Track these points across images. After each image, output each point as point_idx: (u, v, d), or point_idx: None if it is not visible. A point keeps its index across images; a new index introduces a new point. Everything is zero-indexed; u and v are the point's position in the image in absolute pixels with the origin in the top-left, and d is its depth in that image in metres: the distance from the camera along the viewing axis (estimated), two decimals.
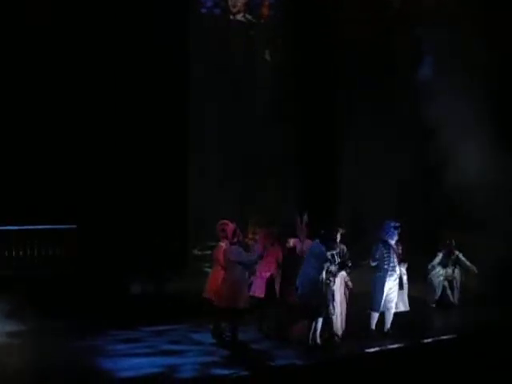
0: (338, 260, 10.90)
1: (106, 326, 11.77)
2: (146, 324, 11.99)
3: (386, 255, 11.52)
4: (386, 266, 11.49)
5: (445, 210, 16.58)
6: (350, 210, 17.14)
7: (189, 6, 16.91)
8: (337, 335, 11.13)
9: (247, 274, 11.05)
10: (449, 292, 14.28)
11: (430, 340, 11.55)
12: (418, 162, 16.92)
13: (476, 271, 14.24)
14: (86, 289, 12.99)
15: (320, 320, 10.70)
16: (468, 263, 14.20)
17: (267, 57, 18.33)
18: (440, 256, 14.30)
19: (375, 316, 11.63)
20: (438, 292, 14.26)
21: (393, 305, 11.63)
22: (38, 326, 11.27)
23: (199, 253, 16.75)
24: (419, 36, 16.78)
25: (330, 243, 10.86)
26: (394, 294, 11.60)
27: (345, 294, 11.35)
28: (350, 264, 11.19)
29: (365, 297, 11.73)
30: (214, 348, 10.81)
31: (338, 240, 11.17)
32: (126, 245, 14.58)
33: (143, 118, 15.55)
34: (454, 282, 14.29)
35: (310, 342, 10.69)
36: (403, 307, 11.89)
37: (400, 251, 11.70)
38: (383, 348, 10.93)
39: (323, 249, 10.75)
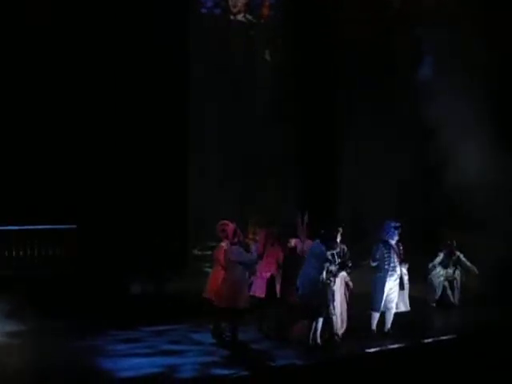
0: (338, 260, 10.89)
1: (106, 326, 11.75)
2: (146, 324, 11.97)
3: (386, 255, 11.51)
4: (386, 266, 11.48)
5: (445, 210, 16.59)
6: (350, 210, 17.16)
7: (189, 6, 16.92)
8: (337, 335, 11.12)
9: (247, 274, 11.05)
10: (449, 292, 14.27)
11: (430, 340, 11.53)
12: (418, 161, 16.93)
13: (477, 272, 14.24)
14: (86, 289, 12.99)
15: (320, 320, 10.69)
16: (469, 264, 14.20)
17: (267, 57, 18.35)
18: (441, 256, 14.29)
19: (376, 316, 11.61)
20: (439, 292, 14.26)
21: (393, 305, 11.62)
22: (38, 326, 11.27)
23: (199, 253, 16.76)
24: (419, 36, 16.80)
25: (330, 243, 10.86)
26: (394, 294, 11.59)
27: (345, 294, 11.35)
28: (350, 264, 11.19)
29: (365, 297, 11.72)
30: (214, 348, 10.79)
31: (339, 240, 11.17)
32: (126, 245, 14.59)
33: (143, 118, 15.56)
34: (455, 282, 14.28)
35: (311, 342, 10.68)
36: (404, 307, 11.87)
37: (401, 251, 11.68)
38: (383, 348, 10.92)
39: (323, 248, 10.75)
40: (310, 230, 11.49)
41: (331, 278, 10.84)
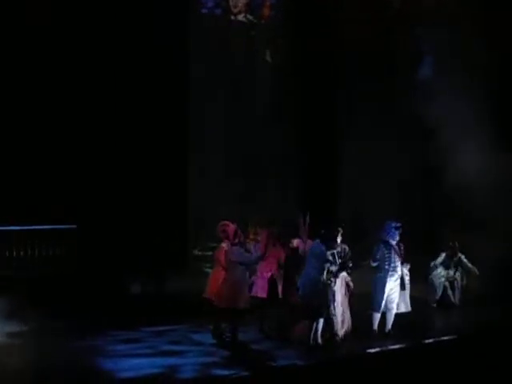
0: (338, 260, 10.89)
1: (106, 326, 11.74)
2: (146, 324, 11.96)
3: (386, 255, 11.49)
4: (386, 267, 11.47)
5: (445, 210, 16.58)
6: (350, 210, 17.15)
7: (189, 6, 16.91)
8: (338, 335, 11.11)
9: (248, 274, 11.04)
10: (450, 292, 14.26)
11: (431, 340, 11.52)
12: (418, 161, 16.92)
13: (477, 273, 14.24)
14: (86, 289, 13.00)
15: (321, 320, 10.70)
16: (470, 265, 14.20)
17: (268, 57, 18.34)
18: (443, 256, 14.29)
19: (377, 316, 11.60)
20: (439, 292, 14.25)
21: (394, 305, 11.61)
22: (38, 326, 11.24)
23: (199, 253, 16.76)
24: (419, 36, 16.79)
25: (330, 243, 10.86)
26: (395, 294, 11.57)
27: (346, 294, 11.33)
28: (350, 264, 11.18)
29: (366, 297, 11.71)
30: (215, 348, 10.78)
31: (339, 240, 11.17)
32: (126, 245, 14.58)
33: (143, 118, 15.55)
34: (455, 282, 14.28)
35: (311, 342, 10.68)
36: (405, 308, 11.87)
37: (402, 251, 11.67)
38: (384, 348, 10.91)
39: (323, 248, 10.74)
40: (310, 230, 11.48)
41: (332, 279, 10.83)
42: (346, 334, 11.29)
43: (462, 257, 14.24)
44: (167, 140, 15.99)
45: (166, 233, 15.56)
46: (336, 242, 11.02)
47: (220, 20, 17.68)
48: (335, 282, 10.95)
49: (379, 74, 17.18)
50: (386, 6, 17.78)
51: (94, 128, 14.87)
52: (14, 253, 13.92)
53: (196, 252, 16.89)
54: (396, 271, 11.50)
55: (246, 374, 9.64)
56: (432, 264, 14.29)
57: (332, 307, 10.88)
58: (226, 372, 9.61)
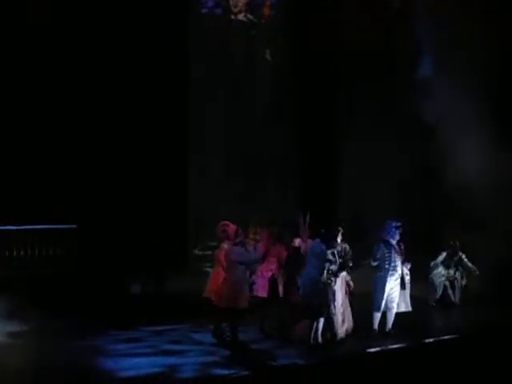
0: (338, 259, 10.88)
1: (106, 326, 11.75)
2: (147, 324, 11.97)
3: (387, 255, 11.49)
4: (386, 266, 11.46)
5: (445, 210, 16.58)
6: (350, 210, 17.14)
7: (189, 6, 16.91)
8: (338, 335, 11.10)
9: (248, 273, 11.03)
10: (450, 291, 14.27)
11: (431, 340, 11.52)
12: (418, 161, 16.92)
13: (477, 273, 14.25)
14: (86, 289, 13.00)
15: (321, 320, 10.69)
16: (470, 265, 14.20)
17: (268, 57, 18.35)
18: (443, 255, 14.29)
19: (377, 316, 11.60)
20: (439, 291, 14.26)
21: (394, 305, 11.61)
22: (39, 326, 11.24)
23: (200, 252, 16.76)
24: (419, 36, 16.78)
25: (330, 242, 10.85)
26: (395, 293, 11.57)
27: (346, 293, 11.33)
28: (350, 264, 11.18)
29: (366, 297, 11.71)
30: (215, 348, 10.77)
31: (340, 239, 11.16)
32: (126, 245, 14.58)
33: (143, 118, 15.55)
34: (456, 282, 14.28)
35: (312, 341, 10.68)
36: (405, 307, 11.87)
37: (402, 251, 11.67)
38: (384, 348, 10.90)
39: (323, 247, 10.74)
40: (311, 229, 11.48)
41: (332, 278, 10.83)
42: (348, 334, 11.28)
43: (463, 256, 14.25)
44: (167, 140, 15.99)
45: (166, 233, 15.55)
46: (336, 241, 11.02)
47: (220, 20, 17.68)
48: (335, 282, 10.94)
49: (379, 74, 17.18)
50: (386, 5, 17.79)
51: (94, 128, 14.87)
52: (14, 252, 13.92)
53: (196, 251, 16.89)
54: (396, 270, 11.49)
55: (246, 373, 9.63)
56: (432, 263, 14.30)
57: (332, 306, 10.88)
58: (226, 371, 9.60)
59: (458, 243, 14.29)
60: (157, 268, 14.55)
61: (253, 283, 11.32)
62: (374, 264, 11.63)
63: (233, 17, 17.78)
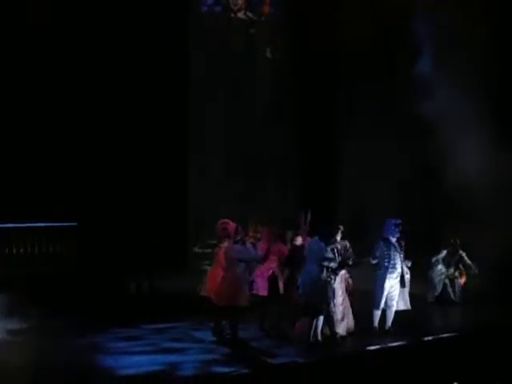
0: (338, 257, 10.88)
1: (106, 324, 11.71)
2: (147, 322, 11.94)
3: (386, 253, 11.46)
4: (386, 264, 11.45)
5: (445, 210, 16.58)
6: (350, 210, 17.15)
7: (189, 5, 16.94)
8: (337, 333, 11.10)
9: (248, 272, 11.03)
10: (450, 289, 14.25)
11: (430, 338, 11.50)
12: (418, 161, 16.94)
13: (477, 272, 14.24)
14: (86, 286, 13.01)
15: (321, 318, 10.69)
16: (470, 263, 14.20)
17: (268, 55, 18.37)
18: (444, 253, 14.29)
19: (377, 314, 11.59)
20: (439, 289, 14.24)
21: (394, 303, 11.59)
22: (39, 324, 11.22)
23: (200, 251, 16.77)
24: (419, 35, 16.79)
25: (329, 240, 10.85)
26: (395, 291, 11.55)
27: (346, 291, 11.33)
28: (350, 262, 11.18)
29: (366, 295, 11.71)
30: (215, 346, 10.76)
31: (339, 237, 11.16)
32: (126, 243, 14.57)
33: (143, 118, 15.58)
34: (456, 280, 14.28)
35: (311, 339, 10.67)
36: (404, 306, 11.84)
37: (402, 248, 11.66)
38: (384, 346, 10.88)
39: (322, 245, 10.73)
40: (311, 228, 11.48)
41: (331, 276, 10.83)
42: (349, 331, 11.27)
43: (463, 254, 14.25)
44: (167, 140, 16.01)
45: (166, 232, 15.55)
46: (335, 238, 11.02)
47: (220, 18, 17.70)
48: (335, 280, 10.94)
49: (379, 74, 17.20)
50: (386, 5, 17.79)
51: (94, 127, 14.91)
52: (14, 250, 13.95)
53: (196, 249, 16.91)
54: (396, 268, 11.47)
55: (246, 371, 9.62)
56: (434, 259, 14.26)
57: (332, 304, 10.87)
58: (226, 369, 9.59)
59: (458, 241, 14.28)
60: (157, 267, 14.53)
61: (252, 282, 11.32)
62: (374, 262, 11.62)
63: (232, 15, 17.81)
